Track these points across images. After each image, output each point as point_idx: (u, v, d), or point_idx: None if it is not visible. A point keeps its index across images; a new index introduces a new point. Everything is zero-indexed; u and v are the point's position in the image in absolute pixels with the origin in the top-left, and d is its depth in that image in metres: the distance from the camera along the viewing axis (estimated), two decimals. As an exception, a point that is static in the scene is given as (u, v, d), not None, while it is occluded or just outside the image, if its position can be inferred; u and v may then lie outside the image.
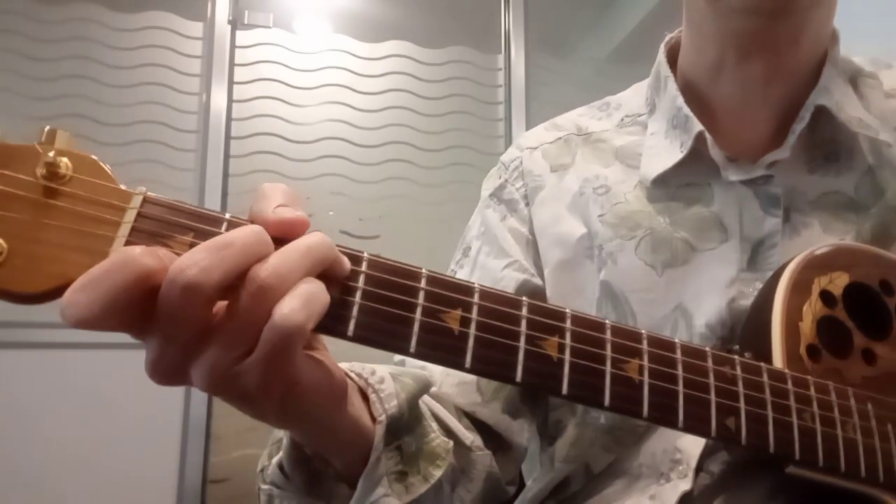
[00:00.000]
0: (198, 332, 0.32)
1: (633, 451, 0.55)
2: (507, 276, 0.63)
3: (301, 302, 0.33)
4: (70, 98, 1.90)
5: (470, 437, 0.56)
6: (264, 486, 0.48)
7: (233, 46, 2.03)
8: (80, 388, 1.76)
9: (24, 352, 1.75)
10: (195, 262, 0.31)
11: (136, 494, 1.76)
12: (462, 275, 0.67)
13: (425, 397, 0.55)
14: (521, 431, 0.61)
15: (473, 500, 0.56)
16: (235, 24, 2.04)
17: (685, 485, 0.50)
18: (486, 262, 0.65)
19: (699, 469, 0.51)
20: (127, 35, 1.97)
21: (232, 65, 2.02)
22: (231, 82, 2.01)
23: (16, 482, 1.70)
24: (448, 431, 0.55)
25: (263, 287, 0.32)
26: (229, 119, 2.00)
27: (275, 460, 0.47)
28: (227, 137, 1.98)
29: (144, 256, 0.31)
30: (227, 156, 1.98)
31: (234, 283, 0.32)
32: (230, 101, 2.00)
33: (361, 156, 2.09)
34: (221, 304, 0.33)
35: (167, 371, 0.34)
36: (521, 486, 0.65)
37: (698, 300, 0.55)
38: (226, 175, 1.97)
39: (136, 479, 1.77)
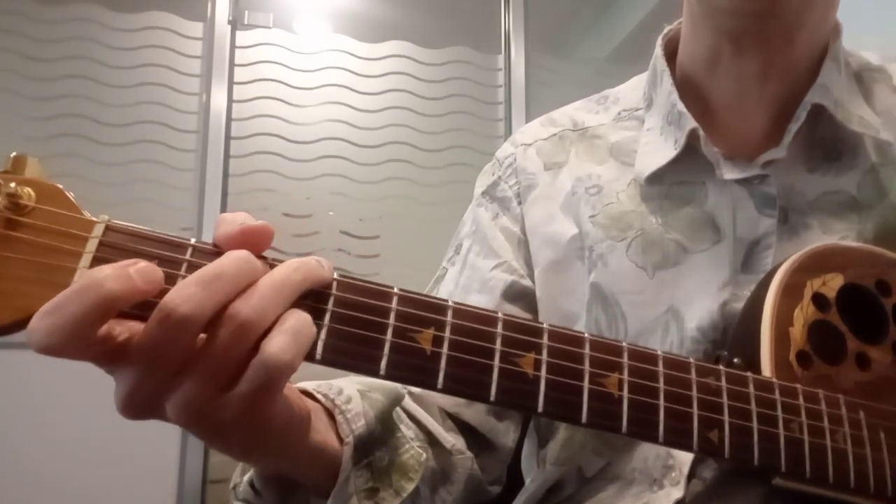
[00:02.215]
0: (179, 366, 0.32)
1: (626, 455, 0.54)
2: (495, 276, 0.62)
3: (290, 339, 0.33)
4: (70, 98, 1.90)
5: (451, 440, 0.56)
6: (236, 503, 0.48)
7: (233, 47, 2.03)
8: (81, 387, 1.75)
9: (24, 352, 1.75)
10: (189, 296, 0.31)
11: (137, 494, 1.76)
12: (453, 272, 0.66)
13: (406, 400, 0.55)
14: (507, 432, 0.61)
15: (454, 501, 0.55)
16: (235, 24, 2.04)
17: (678, 492, 0.49)
18: (476, 262, 0.65)
19: (691, 475, 0.50)
20: (127, 35, 1.97)
21: (232, 65, 2.02)
22: (231, 82, 2.01)
23: (16, 482, 1.70)
24: (428, 434, 0.54)
25: (244, 325, 0.32)
26: (229, 119, 2.00)
27: (246, 477, 0.47)
28: (227, 138, 1.99)
29: (108, 281, 0.30)
30: (227, 156, 1.98)
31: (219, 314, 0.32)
32: (230, 101, 2.00)
33: (361, 156, 2.09)
34: (200, 337, 0.33)
35: (141, 405, 0.33)
36: (512, 484, 0.65)
37: (689, 302, 0.54)
38: (226, 175, 1.97)
39: (137, 479, 1.77)
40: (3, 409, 1.72)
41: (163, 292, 0.32)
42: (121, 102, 1.93)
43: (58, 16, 1.92)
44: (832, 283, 0.47)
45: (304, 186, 2.03)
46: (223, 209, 1.93)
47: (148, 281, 0.32)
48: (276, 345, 0.32)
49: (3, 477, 1.70)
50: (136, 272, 0.31)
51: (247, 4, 2.07)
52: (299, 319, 0.33)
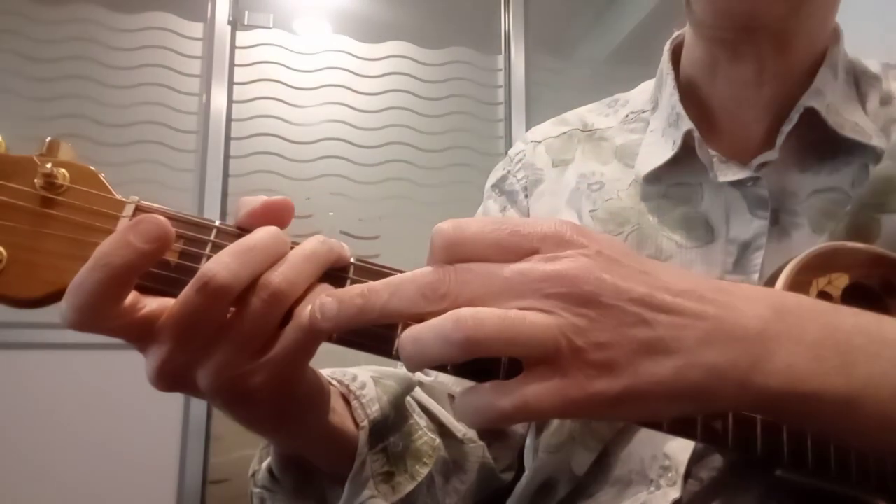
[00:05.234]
0: (212, 334, 0.34)
1: (622, 456, 0.55)
2: None
3: (335, 301, 0.34)
4: (70, 99, 1.90)
5: (462, 429, 0.57)
6: (256, 490, 0.49)
7: (233, 47, 2.03)
8: (81, 388, 1.76)
9: (25, 352, 1.75)
10: (225, 265, 0.33)
11: (137, 495, 1.76)
12: None
13: (417, 391, 0.56)
14: None
15: (468, 489, 0.57)
16: (235, 24, 2.04)
17: (675, 492, 0.49)
18: None
19: (688, 475, 0.50)
20: (127, 36, 1.97)
21: (232, 65, 2.02)
22: (231, 83, 2.01)
23: (16, 482, 1.70)
24: (440, 425, 0.55)
25: (276, 294, 0.34)
26: (229, 120, 2.00)
27: (264, 464, 0.48)
28: (227, 138, 1.99)
29: (114, 256, 0.32)
30: (227, 156, 1.98)
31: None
32: (230, 101, 2.00)
33: (361, 156, 2.09)
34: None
35: (174, 375, 0.35)
36: (522, 473, 0.65)
37: None
38: (226, 176, 1.97)
39: (137, 480, 1.77)
40: (2, 410, 1.72)
41: (185, 269, 0.34)
42: (121, 103, 1.93)
43: (58, 16, 1.92)
44: (837, 283, 0.47)
45: (304, 187, 2.03)
46: (223, 209, 1.93)
47: (149, 239, 0.32)
48: (315, 309, 0.33)
49: (3, 478, 1.69)
50: (135, 235, 0.32)
51: (247, 5, 2.07)
52: (328, 288, 0.35)
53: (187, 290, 0.33)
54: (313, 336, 0.34)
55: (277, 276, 0.34)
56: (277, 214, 0.37)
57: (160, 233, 0.32)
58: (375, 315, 0.32)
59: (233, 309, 0.34)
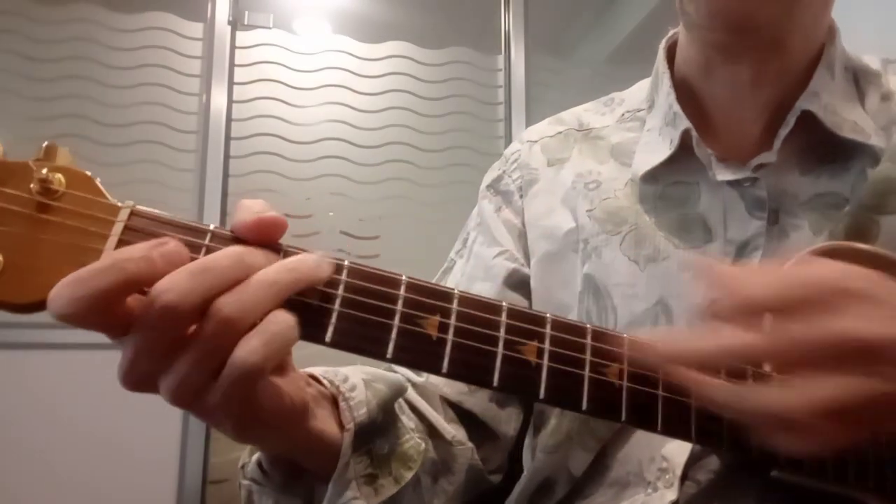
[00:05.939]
0: (170, 349, 0.34)
1: (620, 458, 0.55)
2: (498, 263, 0.64)
3: (262, 342, 0.34)
4: (70, 99, 1.90)
5: (451, 431, 0.57)
6: (244, 482, 0.49)
7: (233, 47, 2.03)
8: (81, 388, 1.76)
9: (26, 352, 1.75)
10: (175, 284, 0.33)
11: (137, 494, 1.76)
12: (460, 263, 0.68)
13: (410, 392, 0.56)
14: (509, 421, 0.62)
15: (456, 491, 0.57)
16: (235, 24, 2.04)
17: (671, 494, 0.50)
18: (480, 251, 0.67)
19: (684, 477, 0.50)
20: (127, 36, 1.97)
21: (232, 65, 2.02)
22: (231, 83, 2.01)
23: (17, 481, 1.70)
24: (429, 426, 0.55)
25: (227, 320, 0.33)
26: (229, 120, 2.00)
27: (254, 458, 0.48)
28: (227, 138, 1.99)
29: (131, 263, 0.33)
30: (227, 156, 1.98)
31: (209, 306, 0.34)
32: (230, 101, 2.00)
33: (361, 156, 2.09)
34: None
35: (137, 380, 0.35)
36: (514, 473, 0.65)
37: (679, 297, 0.55)
38: (226, 176, 1.97)
39: (137, 479, 1.77)
40: (6, 409, 1.72)
41: None
42: (121, 103, 1.93)
43: (58, 16, 1.92)
44: None
45: (304, 187, 2.03)
46: (223, 210, 1.93)
47: (170, 263, 0.33)
48: (247, 347, 0.34)
49: (3, 477, 1.70)
50: (160, 255, 0.33)
51: (247, 5, 2.07)
52: (279, 322, 0.35)
53: (141, 304, 0.33)
54: (246, 374, 0.34)
55: (230, 304, 0.33)
56: (267, 231, 0.37)
57: (181, 259, 0.34)
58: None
59: (195, 326, 0.34)
